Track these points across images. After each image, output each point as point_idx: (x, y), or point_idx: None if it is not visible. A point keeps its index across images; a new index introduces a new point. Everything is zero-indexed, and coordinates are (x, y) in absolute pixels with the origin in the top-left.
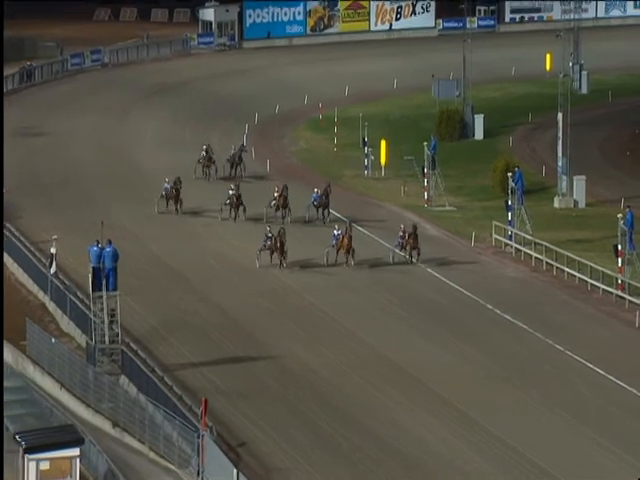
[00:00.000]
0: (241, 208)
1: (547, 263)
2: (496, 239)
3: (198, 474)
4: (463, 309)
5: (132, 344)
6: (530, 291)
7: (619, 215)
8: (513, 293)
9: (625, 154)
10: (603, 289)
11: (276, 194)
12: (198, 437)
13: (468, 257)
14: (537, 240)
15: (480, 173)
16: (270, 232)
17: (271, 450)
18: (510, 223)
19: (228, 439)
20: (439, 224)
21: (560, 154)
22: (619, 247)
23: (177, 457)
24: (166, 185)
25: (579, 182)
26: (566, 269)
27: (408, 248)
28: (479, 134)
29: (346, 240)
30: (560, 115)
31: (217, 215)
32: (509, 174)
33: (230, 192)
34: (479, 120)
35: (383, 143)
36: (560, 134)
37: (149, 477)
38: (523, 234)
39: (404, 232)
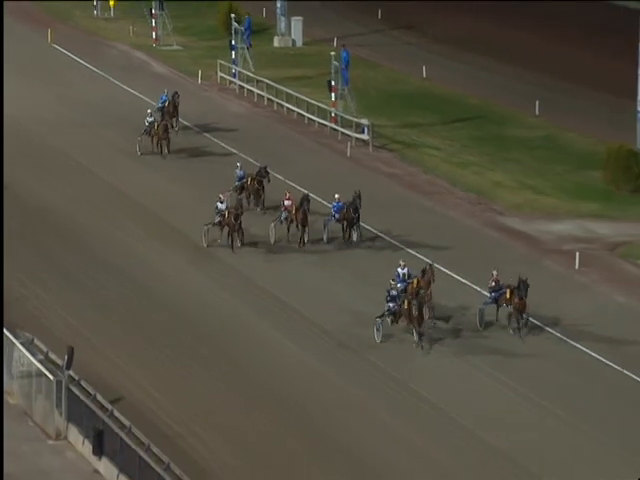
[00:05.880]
0: (238, 232)
1: (268, 99)
2: (221, 77)
3: None
4: (201, 147)
5: None
6: (253, 126)
7: (332, 53)
8: (238, 128)
9: None
10: (319, 122)
11: (287, 202)
12: None
13: (195, 94)
14: (259, 77)
15: (206, 14)
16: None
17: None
18: (234, 62)
19: None
20: (167, 62)
21: None
22: (332, 83)
23: None
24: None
25: (296, 23)
26: (285, 104)
27: (511, 308)
28: None
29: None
30: None
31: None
32: (232, 15)
33: (219, 205)
34: None
35: None
36: None
37: None
38: (246, 72)
39: (496, 282)
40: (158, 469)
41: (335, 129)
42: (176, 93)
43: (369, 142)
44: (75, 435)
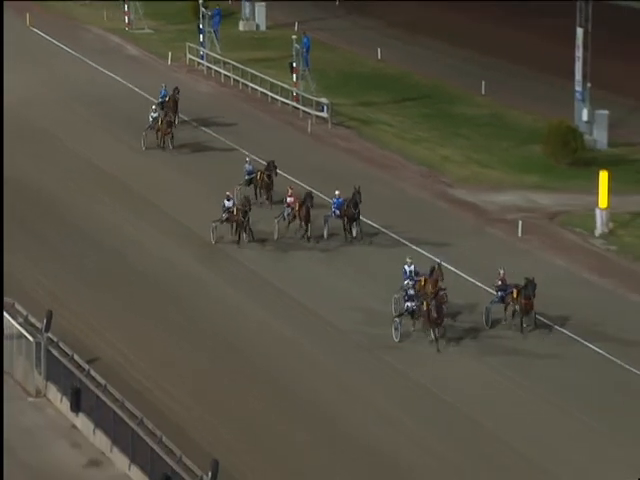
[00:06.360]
0: (243, 229)
1: (234, 79)
2: (190, 59)
3: None
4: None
5: None
6: (220, 104)
7: (294, 36)
8: (205, 107)
9: None
10: (281, 101)
11: (289, 199)
12: None
13: (166, 75)
14: (225, 59)
15: None
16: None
17: None
18: (202, 44)
19: None
20: (139, 45)
21: None
22: (294, 65)
23: None
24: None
25: (260, 8)
26: (250, 84)
27: (517, 308)
28: None
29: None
30: None
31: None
32: (200, 0)
33: (226, 203)
34: None
35: None
36: None
37: None
38: (213, 54)
39: (503, 281)
40: (132, 424)
41: (297, 107)
42: (176, 89)
43: (328, 120)
44: (54, 393)
